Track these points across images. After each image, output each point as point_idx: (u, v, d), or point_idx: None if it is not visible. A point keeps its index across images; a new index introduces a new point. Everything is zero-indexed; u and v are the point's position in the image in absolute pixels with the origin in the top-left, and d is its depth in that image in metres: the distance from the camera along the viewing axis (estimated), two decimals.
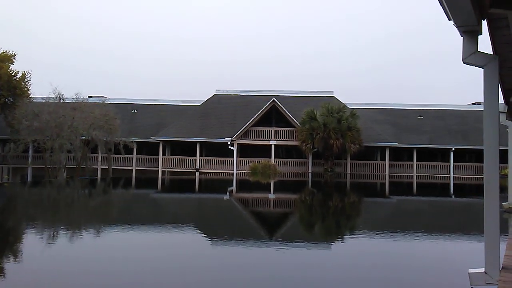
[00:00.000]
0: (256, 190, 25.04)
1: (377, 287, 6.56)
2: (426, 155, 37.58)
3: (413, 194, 24.71)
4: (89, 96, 37.97)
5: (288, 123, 35.56)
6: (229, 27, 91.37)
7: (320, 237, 11.22)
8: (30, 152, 35.63)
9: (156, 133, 36.58)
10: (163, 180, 33.36)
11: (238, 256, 8.31)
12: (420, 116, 39.02)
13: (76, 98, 34.84)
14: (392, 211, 17.13)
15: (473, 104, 39.01)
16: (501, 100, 8.18)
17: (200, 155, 36.56)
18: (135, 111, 40.41)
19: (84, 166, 34.67)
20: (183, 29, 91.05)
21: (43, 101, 33.36)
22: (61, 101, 34.11)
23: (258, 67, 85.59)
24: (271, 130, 36.03)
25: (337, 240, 10.73)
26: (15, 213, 14.73)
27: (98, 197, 21.59)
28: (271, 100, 35.19)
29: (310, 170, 35.30)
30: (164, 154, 36.82)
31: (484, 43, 4.84)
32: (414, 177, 35.30)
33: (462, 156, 37.15)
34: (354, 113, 34.08)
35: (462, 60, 4.65)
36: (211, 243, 9.88)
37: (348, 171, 35.57)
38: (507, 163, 12.65)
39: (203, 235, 11.00)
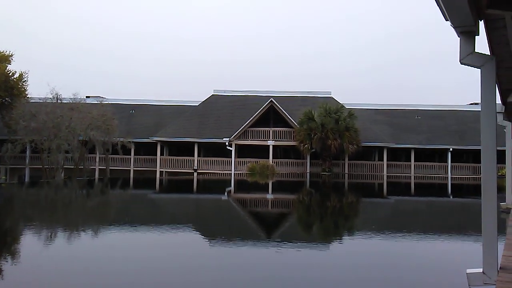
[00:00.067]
0: (254, 191, 25.04)
1: (376, 287, 6.57)
2: (424, 155, 37.67)
3: (411, 194, 24.76)
4: (86, 97, 37.92)
5: (286, 124, 35.57)
6: (229, 27, 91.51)
7: (318, 237, 11.22)
8: (28, 152, 35.57)
9: (154, 133, 36.55)
10: (161, 180, 33.33)
11: (237, 256, 8.30)
12: (418, 116, 39.09)
13: (74, 98, 34.79)
14: (390, 211, 17.15)
15: (471, 104, 39.11)
16: (498, 100, 8.20)
17: (198, 155, 36.54)
18: (133, 111, 40.38)
19: (82, 167, 34.61)
20: (183, 29, 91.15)
21: (41, 101, 33.31)
22: (59, 101, 34.06)
23: (257, 67, 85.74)
24: (269, 131, 36.05)
25: (336, 240, 10.73)
26: (12, 214, 14.69)
27: (95, 197, 21.56)
28: (269, 101, 35.20)
29: (308, 171, 35.32)
30: (162, 154, 36.80)
31: (481, 44, 4.85)
32: (412, 177, 35.37)
33: (459, 156, 37.25)
34: (352, 113, 34.12)
35: (459, 61, 4.66)
36: (209, 243, 9.87)
37: (346, 171, 35.60)
38: (505, 163, 12.69)
39: (201, 235, 10.99)
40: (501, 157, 7.52)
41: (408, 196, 23.39)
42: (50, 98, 33.86)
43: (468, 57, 4.61)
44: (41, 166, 33.61)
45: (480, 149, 4.67)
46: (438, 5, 3.95)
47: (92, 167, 36.51)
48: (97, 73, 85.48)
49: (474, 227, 10.54)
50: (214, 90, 40.35)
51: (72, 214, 14.54)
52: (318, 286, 6.42)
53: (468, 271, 4.76)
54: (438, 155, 38.29)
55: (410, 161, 36.97)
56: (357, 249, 9.07)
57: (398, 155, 38.01)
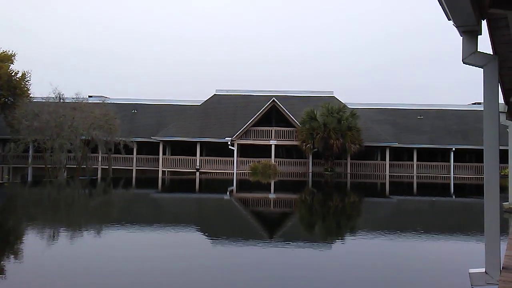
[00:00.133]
0: (257, 190, 25.04)
1: (378, 287, 6.56)
2: (426, 155, 37.58)
3: (413, 194, 24.71)
4: (89, 96, 38.02)
5: (288, 123, 35.56)
6: (229, 27, 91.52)
7: (320, 237, 11.22)
8: (30, 152, 35.66)
9: (156, 133, 36.59)
10: (163, 180, 33.36)
11: (238, 256, 8.31)
12: (420, 116, 39.01)
13: (76, 98, 34.89)
14: (392, 211, 17.13)
15: (473, 104, 39.04)
16: (501, 100, 8.18)
17: (200, 155, 36.57)
18: (135, 111, 40.42)
19: (84, 166, 34.69)
20: (183, 29, 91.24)
21: (43, 101, 33.41)
22: (61, 101, 34.14)
23: (258, 67, 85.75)
24: (271, 130, 36.04)
25: (337, 240, 10.73)
26: (15, 213, 14.73)
27: (98, 197, 21.60)
28: (271, 100, 35.19)
29: (310, 170, 35.30)
30: (164, 154, 36.83)
31: (484, 43, 4.85)
32: (414, 177, 35.30)
33: (462, 156, 37.15)
34: (354, 113, 34.08)
35: (462, 60, 4.65)
36: (211, 242, 9.88)
37: (348, 171, 35.57)
38: (507, 163, 12.64)
39: (203, 235, 11.00)
40: (503, 156, 7.51)
41: (410, 196, 23.34)
42: (53, 97, 33.95)
43: (471, 56, 4.61)
44: (43, 166, 33.69)
45: (482, 149, 4.66)
46: (440, 5, 3.95)
47: (94, 166, 36.58)
48: (97, 73, 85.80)
49: (477, 227, 10.52)
50: (216, 89, 40.37)
51: (75, 214, 14.57)
52: (318, 286, 6.42)
53: (471, 271, 4.76)
54: (441, 155, 38.19)
55: (412, 160, 36.90)
56: (359, 249, 9.07)
57: (400, 154, 37.94)
